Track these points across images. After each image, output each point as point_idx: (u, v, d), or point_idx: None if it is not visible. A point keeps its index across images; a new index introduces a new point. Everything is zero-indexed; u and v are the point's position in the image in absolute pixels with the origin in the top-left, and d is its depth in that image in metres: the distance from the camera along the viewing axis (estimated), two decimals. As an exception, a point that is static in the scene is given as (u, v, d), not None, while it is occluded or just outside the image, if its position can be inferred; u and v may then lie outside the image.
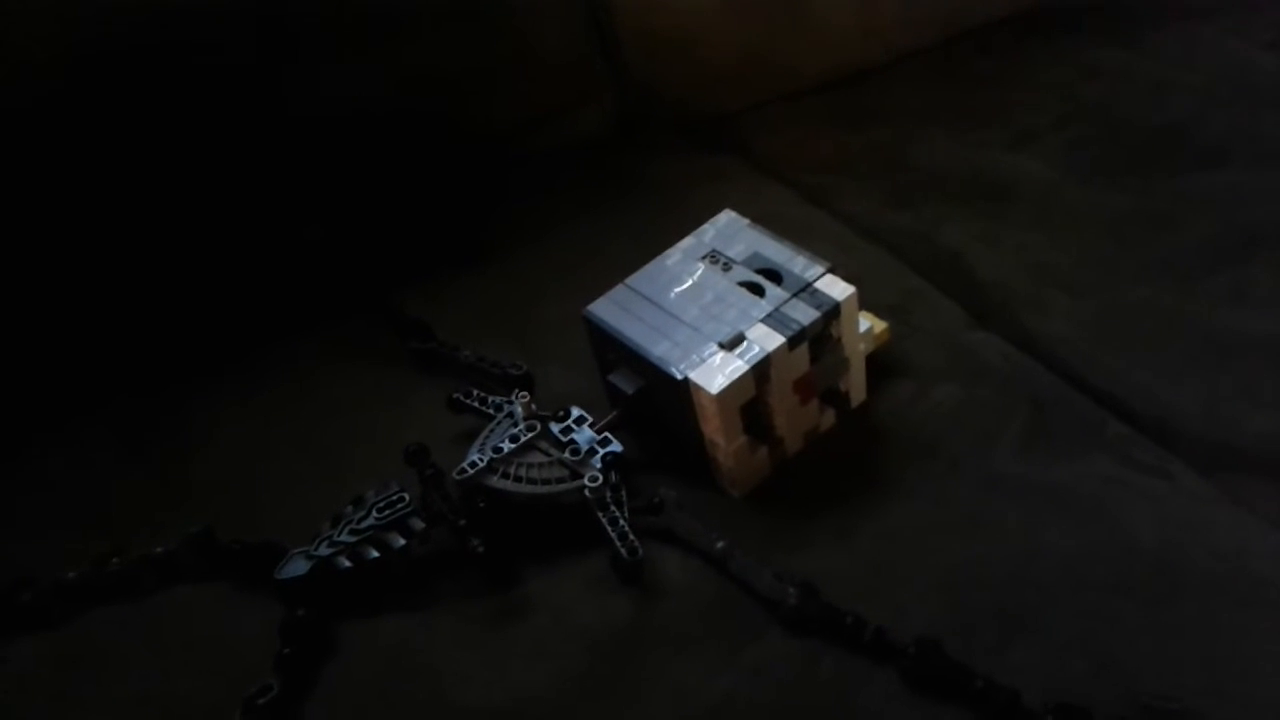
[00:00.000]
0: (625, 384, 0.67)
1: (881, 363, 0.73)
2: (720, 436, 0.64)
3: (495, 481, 0.62)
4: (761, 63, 1.04)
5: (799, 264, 0.68)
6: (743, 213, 0.90)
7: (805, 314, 0.64)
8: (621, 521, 0.60)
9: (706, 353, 0.63)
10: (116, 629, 0.63)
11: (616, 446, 0.65)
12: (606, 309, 0.68)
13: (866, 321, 0.72)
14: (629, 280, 0.70)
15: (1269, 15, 1.04)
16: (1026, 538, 0.62)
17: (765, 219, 0.89)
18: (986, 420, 0.70)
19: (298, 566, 0.59)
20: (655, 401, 0.66)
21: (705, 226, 0.73)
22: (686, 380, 0.62)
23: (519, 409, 0.66)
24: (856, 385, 0.70)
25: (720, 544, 0.61)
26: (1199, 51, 1.02)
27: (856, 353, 0.69)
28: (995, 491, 0.65)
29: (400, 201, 0.94)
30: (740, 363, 0.62)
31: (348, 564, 0.59)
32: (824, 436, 0.70)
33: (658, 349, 0.64)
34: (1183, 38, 1.04)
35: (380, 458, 0.68)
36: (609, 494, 0.62)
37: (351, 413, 0.76)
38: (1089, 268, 0.83)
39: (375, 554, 0.59)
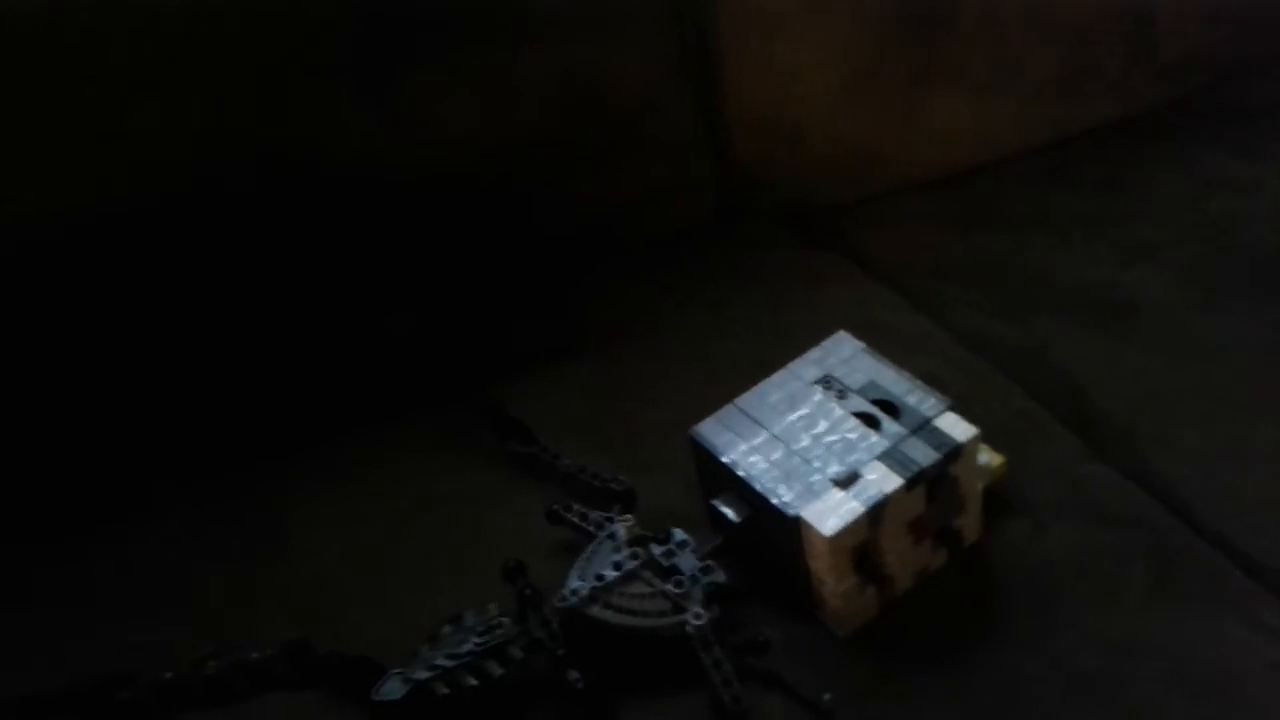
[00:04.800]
0: (731, 512, 0.65)
1: (995, 496, 0.70)
2: (829, 576, 0.61)
3: (597, 611, 0.60)
4: (872, 157, 1.02)
5: (918, 398, 0.65)
6: (849, 317, 0.88)
7: (925, 454, 0.62)
8: (725, 665, 0.58)
9: (819, 489, 0.61)
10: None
11: (720, 576, 0.63)
12: (715, 431, 0.66)
13: (984, 456, 0.69)
14: (738, 401, 0.68)
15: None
16: (1149, 715, 0.59)
17: (872, 328, 0.86)
18: (1107, 569, 0.67)
19: (395, 689, 0.57)
20: (761, 531, 0.64)
21: (819, 349, 0.71)
22: (798, 519, 0.60)
23: (621, 531, 0.64)
24: (971, 524, 0.67)
25: (827, 696, 0.58)
26: (1329, 168, 0.98)
27: (974, 493, 0.66)
28: (1116, 654, 0.62)
29: (498, 285, 0.93)
30: (856, 504, 0.60)
31: (445, 691, 0.57)
32: (935, 575, 0.67)
33: (769, 481, 0.62)
34: (1312, 153, 1.00)
35: (476, 564, 0.67)
36: (712, 632, 0.60)
37: (448, 512, 0.74)
38: (1211, 400, 0.79)
39: (474, 682, 0.57)
